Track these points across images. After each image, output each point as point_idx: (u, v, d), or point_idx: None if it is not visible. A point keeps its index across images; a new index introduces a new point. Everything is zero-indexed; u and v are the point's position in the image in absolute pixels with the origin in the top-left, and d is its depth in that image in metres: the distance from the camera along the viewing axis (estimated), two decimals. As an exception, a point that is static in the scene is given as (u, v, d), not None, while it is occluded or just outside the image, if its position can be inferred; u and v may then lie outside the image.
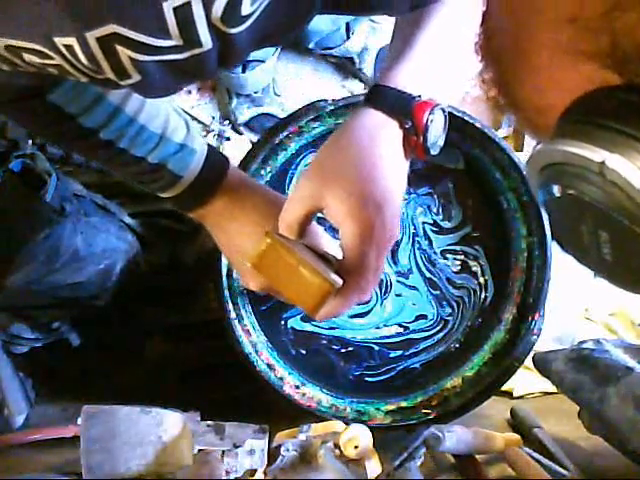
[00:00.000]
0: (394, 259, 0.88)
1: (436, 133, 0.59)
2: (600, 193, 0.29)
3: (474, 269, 0.89)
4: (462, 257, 0.89)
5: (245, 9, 0.35)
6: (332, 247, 0.60)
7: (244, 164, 0.83)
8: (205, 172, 0.63)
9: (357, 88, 1.20)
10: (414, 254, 0.88)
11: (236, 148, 1.11)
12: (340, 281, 0.52)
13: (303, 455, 0.66)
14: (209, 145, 0.65)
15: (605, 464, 0.78)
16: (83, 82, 0.44)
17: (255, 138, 1.07)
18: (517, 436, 0.80)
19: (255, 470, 0.64)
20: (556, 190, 0.32)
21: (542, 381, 0.89)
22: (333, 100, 0.83)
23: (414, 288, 0.89)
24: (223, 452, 0.62)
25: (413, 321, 0.89)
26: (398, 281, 0.88)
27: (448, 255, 0.89)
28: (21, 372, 0.88)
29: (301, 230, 0.56)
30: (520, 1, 0.32)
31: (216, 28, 0.36)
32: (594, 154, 0.28)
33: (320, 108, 0.83)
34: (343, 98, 0.84)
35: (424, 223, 0.88)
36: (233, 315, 0.83)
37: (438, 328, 0.89)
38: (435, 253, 0.89)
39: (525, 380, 0.97)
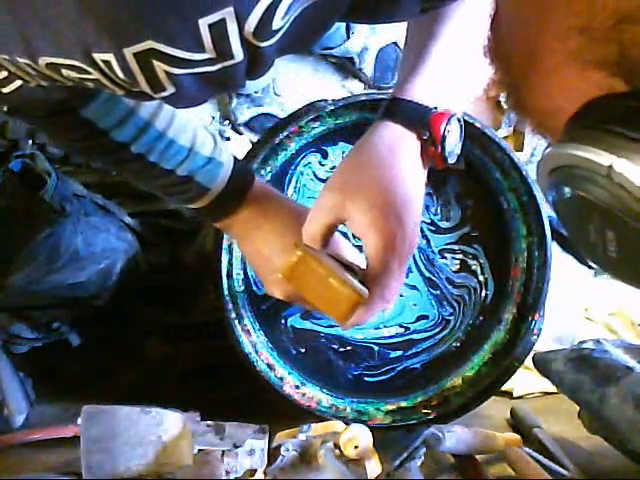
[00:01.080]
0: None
1: (453, 142, 0.61)
2: (607, 195, 0.30)
3: (473, 268, 0.89)
4: (461, 256, 0.89)
5: (276, 24, 0.37)
6: (354, 256, 0.61)
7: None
8: (232, 184, 0.66)
9: (357, 88, 1.20)
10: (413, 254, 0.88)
11: (236, 148, 1.11)
12: (366, 291, 0.54)
13: (303, 455, 0.66)
14: (235, 158, 0.67)
15: (605, 464, 0.78)
16: (115, 98, 0.45)
17: (255, 138, 1.07)
18: (517, 436, 0.80)
19: (255, 470, 0.64)
20: (565, 191, 0.33)
21: (542, 381, 0.89)
22: (333, 100, 0.83)
23: (414, 288, 0.89)
24: (223, 452, 0.62)
25: (414, 322, 0.89)
26: None
27: (447, 254, 0.89)
28: (21, 372, 0.88)
29: (324, 240, 0.58)
30: (531, 10, 0.33)
31: (248, 42, 0.37)
32: (602, 158, 0.29)
33: (320, 108, 0.83)
34: (343, 98, 0.84)
35: (422, 222, 0.88)
36: (233, 315, 0.83)
37: (439, 328, 0.89)
38: (433, 252, 0.89)
39: (525, 380, 0.97)
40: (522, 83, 0.35)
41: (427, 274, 0.89)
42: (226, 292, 0.82)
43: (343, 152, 0.87)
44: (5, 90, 0.46)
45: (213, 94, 0.45)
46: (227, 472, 0.62)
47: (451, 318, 0.89)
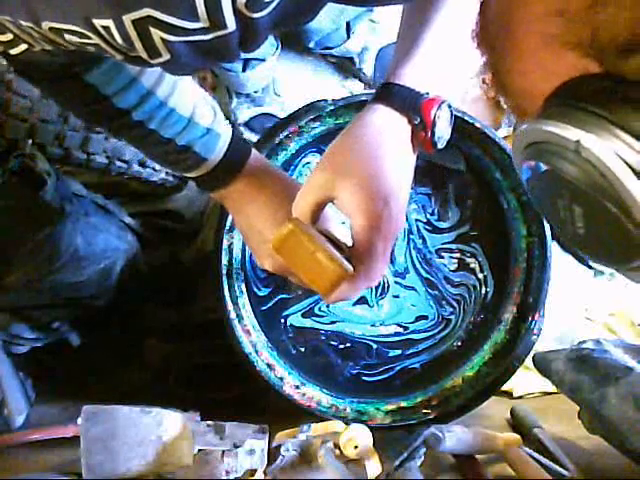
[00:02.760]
0: (390, 258, 0.88)
1: (443, 128, 0.62)
2: (575, 170, 0.31)
3: (472, 266, 0.89)
4: (458, 255, 0.89)
5: None
6: (344, 232, 0.62)
7: (244, 164, 0.83)
8: (228, 156, 0.67)
9: (357, 88, 1.20)
10: (409, 253, 0.88)
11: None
12: (351, 268, 0.55)
13: (303, 455, 0.66)
14: (234, 130, 0.69)
15: (605, 464, 0.78)
16: (119, 65, 0.47)
17: (255, 138, 1.07)
18: (517, 436, 0.80)
19: (255, 470, 0.64)
20: (537, 167, 0.34)
21: (542, 381, 0.89)
22: (333, 100, 0.83)
23: (411, 288, 0.89)
24: (223, 452, 0.62)
25: (413, 322, 0.89)
26: (395, 282, 0.88)
27: (444, 254, 0.89)
28: (21, 372, 0.88)
29: (313, 217, 0.60)
30: None
31: (241, 13, 0.39)
32: (570, 133, 0.31)
33: (320, 108, 0.83)
34: (343, 98, 0.84)
35: (417, 221, 0.88)
36: (233, 315, 0.83)
37: (440, 328, 0.89)
38: (430, 252, 0.89)
39: (525, 380, 0.97)
40: (503, 65, 0.37)
41: (425, 274, 0.89)
42: (226, 292, 0.82)
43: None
44: (13, 52, 0.48)
45: (208, 63, 0.47)
46: (227, 472, 0.62)
47: (452, 317, 0.89)
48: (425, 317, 0.89)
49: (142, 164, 1.00)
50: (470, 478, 0.75)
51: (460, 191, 0.88)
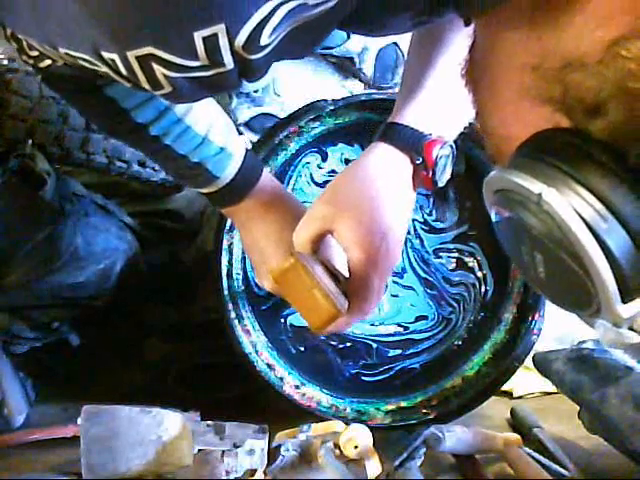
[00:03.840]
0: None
1: (444, 168, 0.65)
2: (536, 220, 0.33)
3: (470, 265, 0.89)
4: (456, 254, 0.89)
5: (264, 41, 0.40)
6: (341, 259, 0.63)
7: (244, 164, 0.83)
8: (239, 176, 0.69)
9: (357, 88, 1.20)
10: (407, 253, 0.88)
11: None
12: (346, 306, 0.57)
13: (303, 455, 0.66)
14: (247, 151, 0.70)
15: (605, 464, 0.78)
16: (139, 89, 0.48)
17: (255, 138, 1.07)
18: (517, 436, 0.80)
19: (255, 470, 0.64)
20: (503, 212, 0.37)
21: (542, 381, 0.89)
22: (333, 100, 0.83)
23: (410, 288, 0.89)
24: (223, 452, 0.62)
25: (413, 322, 0.89)
26: (393, 281, 0.88)
27: (441, 254, 0.89)
28: (21, 372, 0.88)
29: (312, 247, 0.62)
30: (496, 43, 0.37)
31: (238, 54, 0.40)
32: (534, 186, 0.32)
33: (320, 108, 0.83)
34: (343, 98, 0.84)
35: (414, 220, 0.88)
36: (233, 315, 0.83)
37: (440, 327, 0.89)
38: (428, 252, 0.89)
39: (525, 380, 0.97)
40: (484, 109, 0.39)
41: (423, 274, 0.89)
42: (226, 292, 0.82)
43: (342, 154, 0.87)
44: (41, 65, 0.52)
45: (209, 94, 0.48)
46: (227, 472, 0.62)
47: (452, 317, 0.89)
48: (425, 317, 0.89)
49: (142, 164, 1.00)
50: (470, 478, 0.75)
51: (459, 192, 0.88)
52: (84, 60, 0.44)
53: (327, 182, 0.87)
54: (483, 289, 0.89)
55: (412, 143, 0.63)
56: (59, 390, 0.92)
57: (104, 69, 0.44)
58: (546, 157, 0.33)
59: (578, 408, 0.78)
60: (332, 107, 0.83)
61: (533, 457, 0.75)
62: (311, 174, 0.87)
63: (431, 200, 0.88)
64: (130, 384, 0.94)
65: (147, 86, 0.43)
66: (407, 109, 0.65)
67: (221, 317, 0.82)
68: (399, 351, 0.89)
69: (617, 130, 0.31)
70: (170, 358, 0.98)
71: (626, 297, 0.32)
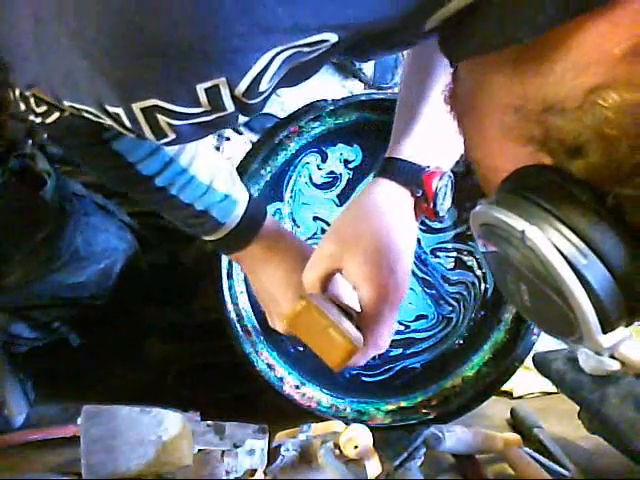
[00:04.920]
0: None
1: (444, 198, 0.67)
2: (519, 255, 0.35)
3: (469, 263, 0.89)
4: (455, 254, 0.89)
5: (263, 87, 0.41)
6: (351, 296, 0.64)
7: (244, 164, 0.83)
8: (244, 221, 0.71)
9: (357, 88, 1.20)
10: None
11: (236, 148, 1.11)
12: (362, 340, 0.58)
13: (303, 455, 0.66)
14: (250, 196, 0.72)
15: (605, 464, 0.78)
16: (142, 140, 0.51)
17: (255, 138, 1.07)
18: (517, 436, 0.80)
19: (255, 470, 0.64)
20: (488, 245, 0.39)
21: (542, 381, 0.89)
22: (333, 100, 0.83)
23: (408, 288, 0.88)
24: (223, 452, 0.62)
25: (413, 321, 0.89)
26: None
27: (439, 253, 0.89)
28: (21, 372, 0.88)
29: (322, 287, 0.63)
30: (479, 82, 0.39)
31: (238, 99, 0.42)
32: (517, 223, 0.34)
33: (320, 108, 0.83)
34: (343, 98, 0.84)
35: None
36: (233, 315, 0.83)
37: (441, 327, 0.89)
38: (425, 252, 0.89)
39: (525, 380, 0.97)
40: (471, 140, 0.41)
41: (420, 274, 0.89)
42: (226, 292, 0.82)
43: (341, 154, 0.87)
44: (48, 121, 0.53)
45: (209, 134, 0.50)
46: (227, 472, 0.62)
47: (452, 316, 0.89)
48: (425, 316, 0.89)
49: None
50: (470, 478, 0.75)
51: (458, 192, 0.87)
52: (88, 112, 0.45)
53: (326, 184, 0.87)
54: (483, 287, 0.89)
55: (411, 177, 0.65)
56: (59, 390, 0.91)
57: (108, 122, 0.45)
58: (529, 194, 0.35)
59: (578, 408, 0.78)
60: (332, 107, 0.83)
61: (533, 457, 0.75)
62: (310, 175, 0.87)
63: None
64: (130, 384, 0.94)
65: (151, 136, 0.45)
66: (404, 143, 0.67)
67: (221, 317, 0.82)
68: (400, 350, 0.89)
69: (596, 171, 0.33)
70: (170, 358, 0.98)
71: (606, 327, 0.34)
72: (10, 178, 0.81)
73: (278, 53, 0.39)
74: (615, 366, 0.37)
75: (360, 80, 1.20)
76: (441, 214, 0.67)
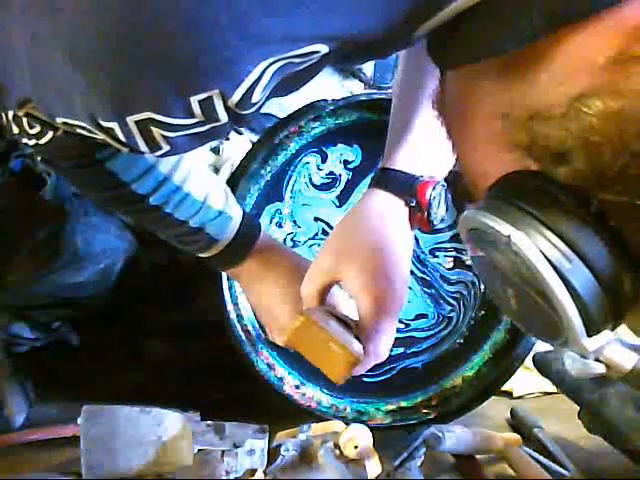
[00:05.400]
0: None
1: (438, 207, 0.67)
2: (505, 260, 0.36)
3: (468, 263, 0.89)
4: (454, 253, 0.89)
5: (255, 98, 0.42)
6: (350, 306, 0.65)
7: (244, 164, 0.83)
8: (239, 237, 0.71)
9: (357, 88, 1.20)
10: None
11: (236, 148, 1.11)
12: (362, 351, 0.59)
13: (303, 455, 0.66)
14: (244, 212, 0.73)
15: (605, 464, 0.78)
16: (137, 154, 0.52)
17: (255, 138, 1.07)
18: (517, 436, 0.80)
19: (255, 470, 0.64)
20: (476, 249, 0.39)
21: (542, 381, 0.89)
22: (333, 100, 0.83)
23: (406, 287, 0.89)
24: (223, 452, 0.62)
25: (413, 319, 0.89)
26: None
27: (438, 253, 0.89)
28: (21, 372, 0.88)
29: (321, 299, 0.64)
30: (467, 90, 0.40)
31: (232, 110, 0.42)
32: (503, 228, 0.35)
33: (320, 108, 0.83)
34: (343, 98, 0.84)
35: None
36: (233, 315, 0.83)
37: (442, 326, 0.89)
38: (424, 253, 0.89)
39: (525, 380, 0.97)
40: (460, 146, 0.42)
41: (419, 274, 0.89)
42: (226, 292, 0.82)
43: (341, 154, 0.87)
44: (42, 141, 0.53)
45: (203, 144, 0.50)
46: (227, 472, 0.62)
47: (453, 315, 0.89)
48: (424, 316, 0.89)
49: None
50: (470, 478, 0.75)
51: (457, 192, 0.87)
52: (82, 128, 0.45)
53: (325, 185, 0.87)
54: (482, 286, 0.89)
55: (405, 187, 0.66)
56: (59, 390, 0.91)
57: (101, 136, 0.45)
58: (515, 200, 0.35)
59: (578, 408, 0.78)
60: (332, 107, 0.83)
61: (533, 457, 0.75)
62: (310, 176, 0.87)
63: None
64: (130, 384, 0.94)
65: (145, 149, 0.45)
66: (398, 153, 0.67)
67: (221, 317, 0.82)
68: (402, 349, 0.89)
69: (581, 177, 0.33)
70: (170, 358, 0.98)
71: (591, 331, 0.35)
72: (10, 178, 0.81)
73: (270, 64, 0.40)
74: (600, 369, 0.37)
75: (360, 80, 1.20)
76: (435, 223, 0.68)
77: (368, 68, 1.17)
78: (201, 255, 0.72)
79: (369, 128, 0.85)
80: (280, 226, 0.87)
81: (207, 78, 0.40)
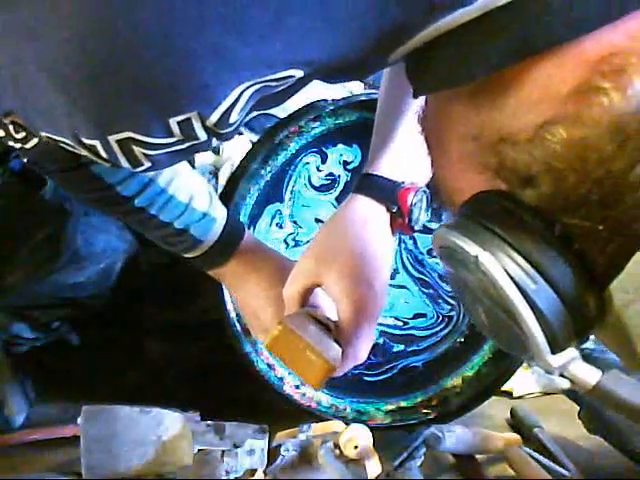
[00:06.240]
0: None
1: (419, 213, 0.68)
2: (473, 278, 0.37)
3: None
4: None
5: (233, 119, 0.43)
6: (332, 306, 0.66)
7: (244, 164, 0.83)
8: (223, 238, 0.73)
9: (357, 88, 1.20)
10: (400, 254, 0.88)
11: (236, 148, 1.11)
12: (340, 356, 0.60)
13: (303, 455, 0.66)
14: (229, 214, 0.74)
15: (605, 464, 0.78)
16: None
17: (255, 138, 1.07)
18: (517, 436, 0.80)
19: (255, 470, 0.64)
20: (447, 266, 0.41)
21: (542, 381, 0.89)
22: (333, 100, 0.83)
23: (402, 287, 0.89)
24: (223, 452, 0.62)
25: (412, 318, 0.89)
26: None
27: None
28: (21, 372, 0.88)
29: (302, 301, 0.65)
30: (441, 109, 0.41)
31: (210, 129, 0.43)
32: (471, 248, 0.35)
33: (320, 108, 0.83)
34: (343, 98, 0.84)
35: None
36: (233, 315, 0.83)
37: (442, 326, 0.89)
38: (422, 253, 0.89)
39: (525, 380, 0.97)
40: (436, 161, 0.43)
41: (417, 274, 0.89)
42: (226, 292, 0.82)
43: (341, 155, 0.87)
44: (27, 146, 0.54)
45: (185, 160, 0.52)
46: (227, 472, 0.62)
47: (452, 314, 0.89)
48: (423, 315, 0.89)
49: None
50: (470, 478, 0.75)
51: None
52: (65, 144, 0.46)
53: (324, 186, 0.87)
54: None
55: (387, 193, 0.67)
56: (59, 390, 0.91)
57: (84, 152, 0.46)
58: (483, 220, 0.36)
59: (578, 408, 0.78)
60: (332, 107, 0.83)
61: (533, 457, 0.75)
62: (309, 177, 0.87)
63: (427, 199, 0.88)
64: (130, 384, 0.94)
65: (127, 165, 0.46)
66: (381, 159, 0.68)
67: (221, 317, 0.82)
68: (402, 346, 0.89)
69: (546, 201, 0.34)
70: (170, 358, 0.98)
71: (555, 349, 0.36)
72: (10, 178, 0.81)
73: (247, 88, 0.41)
74: (565, 385, 0.38)
75: (360, 80, 1.20)
76: (417, 228, 0.69)
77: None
78: (186, 255, 0.74)
79: (369, 128, 0.85)
80: (281, 227, 0.87)
81: (185, 101, 0.41)
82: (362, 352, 0.63)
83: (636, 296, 0.34)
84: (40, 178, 0.82)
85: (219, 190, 0.97)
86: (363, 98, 0.84)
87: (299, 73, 0.41)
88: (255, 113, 0.46)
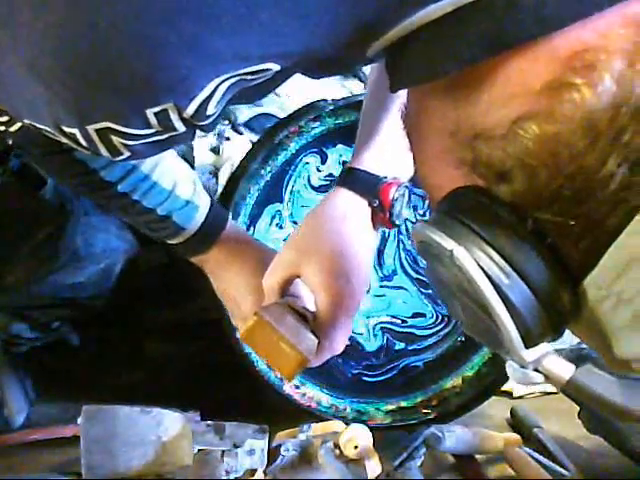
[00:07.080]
0: (380, 260, 0.88)
1: (400, 208, 0.69)
2: (449, 273, 0.37)
3: None
4: None
5: (210, 111, 0.43)
6: (311, 297, 0.66)
7: (244, 164, 0.83)
8: (205, 226, 0.73)
9: (357, 88, 1.20)
10: (398, 254, 0.89)
11: (236, 148, 1.11)
12: (314, 348, 0.61)
13: (303, 455, 0.66)
14: (212, 203, 0.74)
15: (605, 464, 0.78)
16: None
17: (255, 138, 1.07)
18: (517, 436, 0.80)
19: (255, 470, 0.64)
20: (425, 261, 0.41)
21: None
22: (333, 100, 0.83)
23: (400, 288, 0.89)
24: (223, 452, 0.62)
25: (411, 317, 0.89)
26: (381, 285, 0.89)
27: None
28: (21, 372, 0.88)
29: (281, 292, 0.65)
30: (419, 105, 0.41)
31: (188, 121, 0.44)
32: (447, 243, 0.36)
33: (320, 108, 0.83)
34: (343, 98, 0.84)
35: (407, 221, 0.88)
36: (233, 315, 0.82)
37: (441, 325, 0.89)
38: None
39: (525, 380, 0.97)
40: (417, 157, 0.43)
41: (415, 275, 0.89)
42: (226, 292, 0.82)
43: (340, 155, 0.87)
44: (11, 129, 0.55)
45: (165, 151, 0.51)
46: (227, 472, 0.62)
47: (453, 313, 0.89)
48: (422, 314, 0.89)
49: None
50: (470, 478, 0.75)
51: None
52: (47, 132, 0.47)
53: (324, 186, 0.87)
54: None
55: (369, 187, 0.67)
56: (59, 390, 0.92)
57: (65, 140, 0.47)
58: (459, 215, 0.36)
59: (578, 408, 0.78)
60: (332, 107, 0.83)
61: (533, 457, 0.75)
62: (309, 177, 0.87)
63: (426, 201, 0.88)
64: (130, 384, 0.94)
65: (106, 154, 0.47)
66: (364, 154, 0.69)
67: (221, 317, 0.82)
68: (403, 344, 0.89)
69: (520, 197, 0.35)
70: (170, 358, 0.98)
71: (529, 343, 0.36)
72: (10, 178, 0.81)
73: (223, 81, 0.41)
74: (539, 379, 0.38)
75: (360, 80, 1.20)
76: (398, 223, 0.69)
77: (368, 68, 1.17)
78: (169, 242, 0.74)
79: (369, 128, 0.85)
80: (281, 227, 0.87)
81: (161, 93, 0.41)
82: (338, 344, 0.64)
83: (609, 292, 0.34)
84: (40, 178, 0.82)
85: (219, 190, 0.97)
86: (363, 98, 0.84)
87: (275, 67, 0.41)
88: (251, 110, 0.46)
